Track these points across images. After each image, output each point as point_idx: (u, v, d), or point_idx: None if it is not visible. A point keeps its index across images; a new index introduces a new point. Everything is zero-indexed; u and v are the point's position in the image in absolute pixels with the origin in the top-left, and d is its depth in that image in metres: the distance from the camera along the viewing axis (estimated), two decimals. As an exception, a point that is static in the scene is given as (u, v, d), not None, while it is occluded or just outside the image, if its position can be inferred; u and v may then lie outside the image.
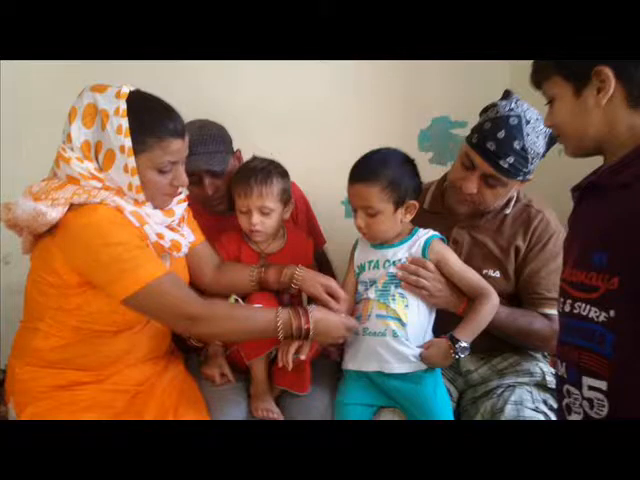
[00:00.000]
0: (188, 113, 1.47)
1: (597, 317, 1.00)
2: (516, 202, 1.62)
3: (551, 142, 1.49)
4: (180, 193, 1.49)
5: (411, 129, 2.33)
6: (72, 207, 1.29)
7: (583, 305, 1.03)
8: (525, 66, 1.15)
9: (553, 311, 1.51)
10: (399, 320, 1.45)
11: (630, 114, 1.03)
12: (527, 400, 1.49)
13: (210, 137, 1.69)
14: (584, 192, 1.10)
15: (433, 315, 1.52)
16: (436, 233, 1.54)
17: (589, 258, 1.02)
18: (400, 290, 1.47)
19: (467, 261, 1.55)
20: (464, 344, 1.41)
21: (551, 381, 1.54)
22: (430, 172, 1.72)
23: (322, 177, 2.11)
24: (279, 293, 1.62)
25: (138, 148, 1.31)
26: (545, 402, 1.50)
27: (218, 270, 1.62)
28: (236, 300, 1.52)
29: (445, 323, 1.50)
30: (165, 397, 1.49)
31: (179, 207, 1.49)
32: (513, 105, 1.48)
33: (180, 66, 1.92)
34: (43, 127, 1.76)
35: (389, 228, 1.49)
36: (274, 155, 1.72)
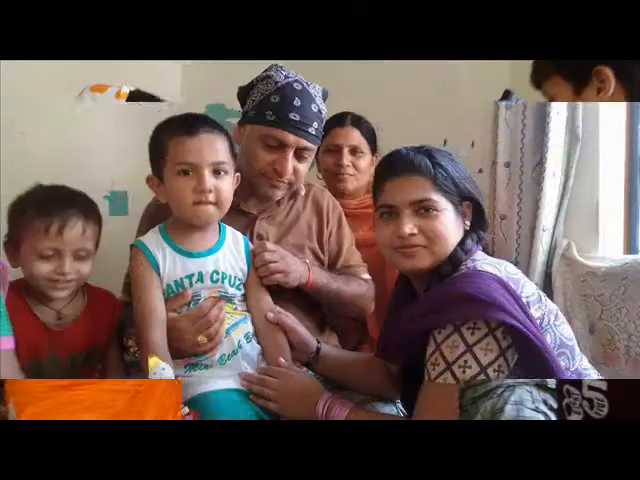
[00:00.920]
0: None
1: None
2: None
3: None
4: None
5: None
6: None
7: None
8: (525, 66, 1.14)
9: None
10: None
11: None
12: (527, 400, 1.48)
13: None
14: None
15: None
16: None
17: None
18: None
19: None
20: None
21: (551, 381, 1.53)
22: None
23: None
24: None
25: None
26: (545, 402, 1.49)
27: None
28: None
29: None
30: (165, 397, 1.49)
31: None
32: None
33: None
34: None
35: None
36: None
